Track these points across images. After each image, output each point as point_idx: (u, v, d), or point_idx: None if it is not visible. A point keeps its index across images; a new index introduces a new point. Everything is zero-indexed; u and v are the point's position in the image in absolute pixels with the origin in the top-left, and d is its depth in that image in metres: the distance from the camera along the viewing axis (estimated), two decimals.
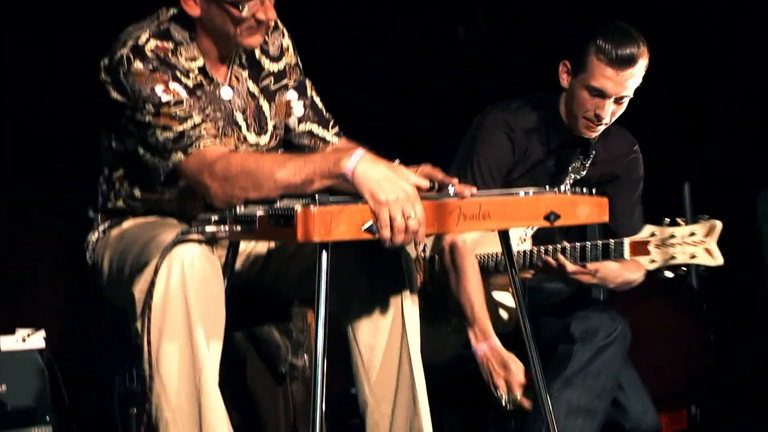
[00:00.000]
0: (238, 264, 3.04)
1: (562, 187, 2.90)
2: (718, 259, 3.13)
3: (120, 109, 2.88)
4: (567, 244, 3.35)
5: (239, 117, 3.00)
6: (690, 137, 5.60)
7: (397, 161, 2.97)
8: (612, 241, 3.27)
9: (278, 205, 2.68)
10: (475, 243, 3.46)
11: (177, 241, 2.75)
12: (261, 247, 3.09)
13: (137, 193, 3.02)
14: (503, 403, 3.31)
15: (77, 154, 3.76)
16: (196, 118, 2.85)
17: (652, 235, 3.18)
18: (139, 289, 2.78)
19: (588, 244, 3.31)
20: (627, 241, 3.23)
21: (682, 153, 5.56)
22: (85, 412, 4.19)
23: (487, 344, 3.37)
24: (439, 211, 2.67)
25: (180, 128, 2.83)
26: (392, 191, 2.62)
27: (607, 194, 3.48)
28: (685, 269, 3.17)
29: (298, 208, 2.57)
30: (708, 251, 3.13)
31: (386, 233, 2.62)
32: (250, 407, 4.16)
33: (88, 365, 4.22)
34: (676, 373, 4.89)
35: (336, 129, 3.20)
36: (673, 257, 3.15)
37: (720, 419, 4.88)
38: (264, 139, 3.06)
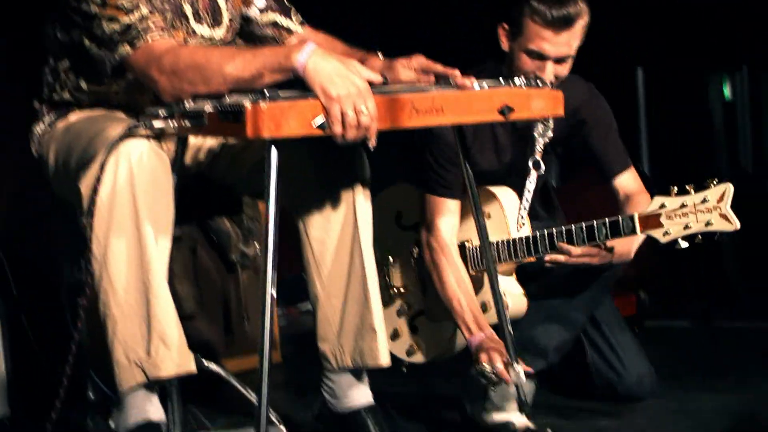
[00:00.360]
0: (188, 158, 3.00)
1: (516, 81, 2.84)
2: (735, 224, 2.96)
3: None
4: (573, 226, 3.22)
5: (188, 9, 2.93)
6: (642, 22, 5.57)
7: (379, 54, 2.93)
8: (620, 217, 3.13)
9: (227, 100, 2.63)
10: (455, 233, 3.38)
11: (124, 136, 2.71)
12: (211, 141, 3.05)
13: (84, 85, 2.96)
14: (486, 374, 3.19)
15: (23, 42, 3.68)
16: (144, 10, 2.78)
17: (662, 206, 3.04)
18: (85, 184, 2.74)
19: (595, 223, 3.18)
20: (636, 215, 3.09)
21: (634, 38, 5.53)
22: (33, 301, 4.16)
23: (482, 335, 3.24)
24: (392, 106, 2.63)
25: (127, 20, 2.76)
26: (343, 86, 2.58)
27: (578, 145, 3.43)
28: (701, 238, 3.01)
29: (248, 103, 2.53)
30: (724, 216, 2.96)
31: (337, 129, 2.58)
32: (201, 295, 4.16)
33: (37, 255, 4.18)
34: None
35: (299, 17, 3.14)
36: (687, 226, 3.00)
37: (668, 304, 4.94)
38: (219, 33, 3.00)
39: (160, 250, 2.73)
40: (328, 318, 2.96)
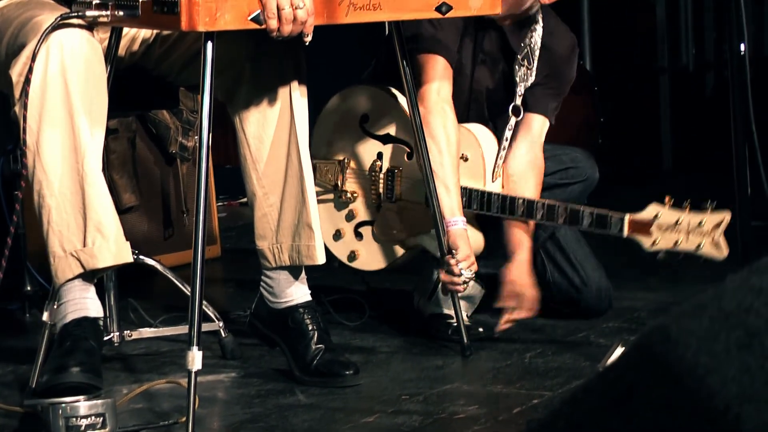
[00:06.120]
0: (122, 48, 2.93)
1: None
2: (724, 252, 2.93)
3: None
4: (557, 204, 3.13)
5: None
6: None
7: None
8: (610, 213, 3.05)
9: None
10: (449, 100, 3.21)
11: (57, 26, 2.65)
12: (145, 31, 2.99)
13: None
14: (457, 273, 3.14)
15: None
16: None
17: (656, 216, 2.97)
18: (16, 72, 2.67)
19: (582, 209, 3.08)
20: (626, 217, 3.02)
21: None
22: None
23: (462, 224, 3.16)
24: (329, 1, 2.60)
25: None
26: None
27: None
28: (682, 256, 2.96)
29: None
30: (715, 244, 2.92)
31: (273, 23, 2.54)
32: (140, 188, 4.13)
33: None
34: None
35: None
36: (677, 243, 2.95)
37: (607, 202, 4.96)
38: None
39: (94, 140, 2.69)
40: (266, 215, 2.94)
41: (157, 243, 4.16)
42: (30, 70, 2.62)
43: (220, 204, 4.95)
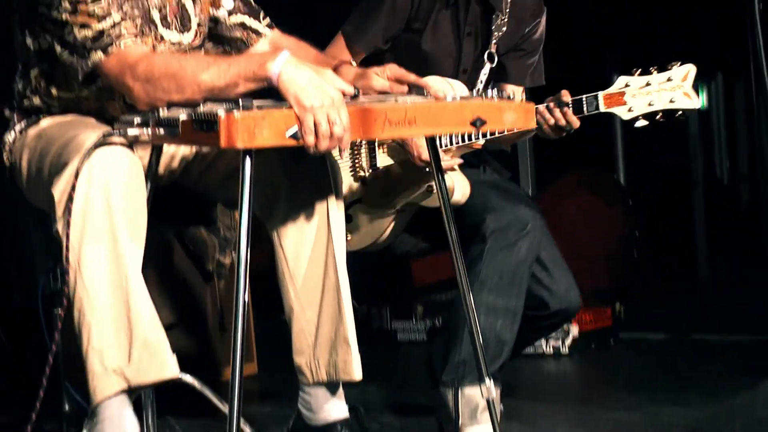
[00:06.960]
0: (161, 166, 2.99)
1: (489, 93, 2.85)
2: (695, 102, 3.10)
3: (34, 5, 2.79)
4: (536, 107, 3.19)
5: (155, 15, 2.92)
6: (618, 29, 5.60)
7: (352, 62, 2.95)
8: (584, 96, 3.18)
9: (201, 109, 2.63)
10: None
11: (99, 144, 2.70)
12: (184, 149, 3.04)
13: (54, 91, 2.94)
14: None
15: None
16: (116, 16, 2.77)
17: (626, 85, 3.14)
18: (58, 190, 2.72)
19: (553, 104, 3.19)
20: (601, 94, 3.17)
21: (610, 44, 5.55)
22: (8, 311, 4.14)
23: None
24: (365, 117, 2.63)
25: (99, 26, 2.75)
26: (317, 97, 2.58)
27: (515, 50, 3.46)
28: (661, 117, 3.12)
29: (221, 113, 2.52)
30: (686, 94, 3.09)
31: (310, 139, 2.58)
32: (177, 305, 4.15)
33: (12, 264, 4.16)
34: (600, 269, 4.93)
35: (267, 20, 3.13)
36: (651, 104, 3.11)
37: (643, 316, 4.94)
38: (187, 38, 2.99)
39: (136, 256, 2.72)
40: (303, 331, 2.94)
41: (195, 360, 4.16)
42: (73, 188, 2.66)
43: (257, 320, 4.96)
